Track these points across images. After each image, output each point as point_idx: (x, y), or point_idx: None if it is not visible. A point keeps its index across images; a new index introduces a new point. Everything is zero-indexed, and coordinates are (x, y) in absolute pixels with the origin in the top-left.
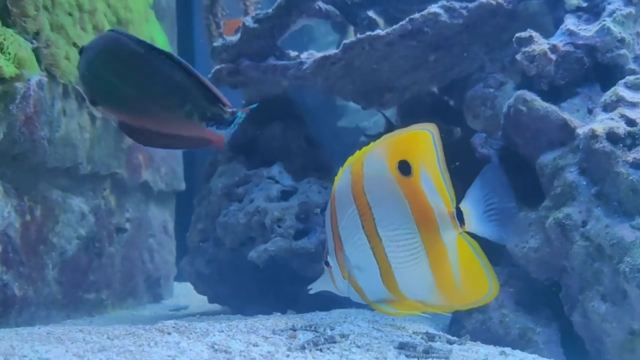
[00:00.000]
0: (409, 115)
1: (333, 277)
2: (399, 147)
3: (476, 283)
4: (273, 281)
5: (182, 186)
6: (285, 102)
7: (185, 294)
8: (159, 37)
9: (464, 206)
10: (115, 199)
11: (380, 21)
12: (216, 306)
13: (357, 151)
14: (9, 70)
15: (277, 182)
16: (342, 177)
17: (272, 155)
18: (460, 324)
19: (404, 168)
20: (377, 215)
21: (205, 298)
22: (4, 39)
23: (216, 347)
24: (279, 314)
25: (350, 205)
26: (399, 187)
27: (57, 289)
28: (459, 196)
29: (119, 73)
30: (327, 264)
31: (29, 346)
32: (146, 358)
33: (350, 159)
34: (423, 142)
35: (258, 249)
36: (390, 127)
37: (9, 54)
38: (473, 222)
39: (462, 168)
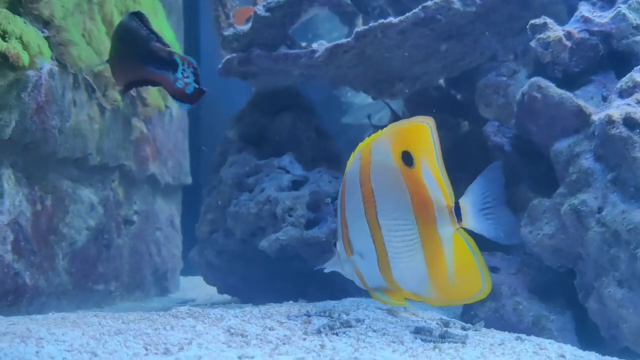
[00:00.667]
0: (416, 108)
1: (340, 260)
2: (402, 138)
3: (469, 279)
4: (283, 271)
5: (189, 180)
6: (294, 93)
7: (191, 287)
8: (167, 31)
9: (463, 202)
10: (124, 191)
11: (390, 11)
12: (225, 297)
13: (367, 137)
14: (24, 58)
15: (287, 172)
16: (353, 162)
17: (282, 146)
18: (473, 312)
19: (407, 159)
20: (379, 203)
21: (212, 292)
22: (17, 27)
23: (232, 330)
24: (291, 302)
25: (357, 191)
26: (402, 177)
27: (68, 279)
28: (462, 190)
29: (117, 38)
30: (335, 245)
31: (45, 329)
32: (163, 341)
33: (360, 145)
34: (423, 134)
35: (269, 238)
36: (396, 120)
37: (22, 41)
38: (470, 219)
39: (469, 161)
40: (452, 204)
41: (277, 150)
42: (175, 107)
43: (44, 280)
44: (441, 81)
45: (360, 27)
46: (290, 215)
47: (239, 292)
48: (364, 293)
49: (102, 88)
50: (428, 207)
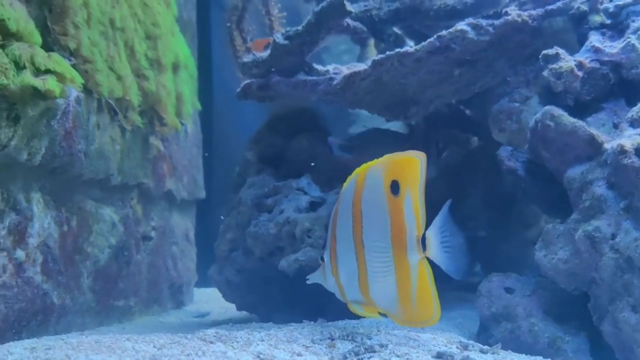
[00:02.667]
0: (427, 125)
1: (325, 272)
2: (394, 167)
3: (426, 306)
4: (300, 290)
5: (203, 194)
6: (311, 114)
7: (205, 300)
8: (184, 49)
9: (429, 233)
10: (142, 208)
11: (404, 37)
12: (241, 314)
13: (365, 163)
14: (57, 91)
15: (305, 193)
16: (349, 183)
17: (299, 167)
18: (489, 333)
19: (395, 188)
20: (365, 225)
21: (226, 305)
22: (51, 60)
23: (262, 356)
24: (311, 322)
25: (349, 210)
26: (387, 204)
27: (91, 297)
28: (468, 206)
29: None
30: (322, 259)
31: (84, 355)
32: None
33: (358, 169)
34: (412, 167)
35: (288, 259)
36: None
37: (57, 73)
38: (433, 250)
39: (479, 176)
40: (420, 234)
41: (295, 171)
42: (190, 124)
43: (70, 299)
44: None
45: (377, 56)
46: (309, 237)
47: (257, 310)
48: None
49: (123, 110)
50: (402, 235)
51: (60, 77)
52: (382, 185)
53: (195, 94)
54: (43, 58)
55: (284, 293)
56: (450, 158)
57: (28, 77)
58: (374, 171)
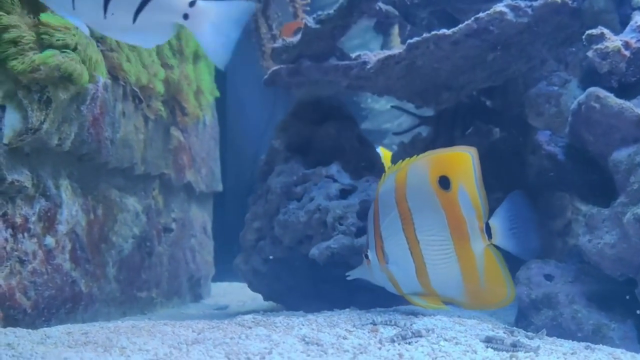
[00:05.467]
0: (447, 116)
1: (371, 269)
2: (441, 164)
3: (497, 288)
4: (329, 279)
5: (220, 187)
6: (336, 102)
7: (222, 294)
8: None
9: (492, 222)
10: (163, 199)
11: (435, 22)
12: (265, 304)
13: (400, 161)
14: (86, 77)
15: (335, 180)
16: (386, 182)
17: (326, 155)
18: (528, 320)
19: (444, 183)
20: (416, 221)
21: (244, 298)
22: (84, 45)
23: (307, 339)
24: (347, 310)
25: (393, 209)
26: (437, 199)
27: (116, 287)
28: (495, 195)
29: None
30: (366, 256)
31: (125, 338)
32: (244, 350)
33: (393, 167)
34: (464, 162)
35: (320, 247)
36: (416, 123)
37: (88, 58)
38: (499, 237)
39: (501, 167)
40: (484, 224)
41: (322, 159)
42: (208, 116)
43: (97, 288)
44: None
45: (412, 39)
46: (341, 224)
47: (285, 299)
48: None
49: (147, 99)
50: (462, 226)
51: (90, 62)
52: (428, 182)
53: (214, 84)
54: (71, 38)
55: (312, 282)
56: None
57: (58, 58)
58: (416, 169)
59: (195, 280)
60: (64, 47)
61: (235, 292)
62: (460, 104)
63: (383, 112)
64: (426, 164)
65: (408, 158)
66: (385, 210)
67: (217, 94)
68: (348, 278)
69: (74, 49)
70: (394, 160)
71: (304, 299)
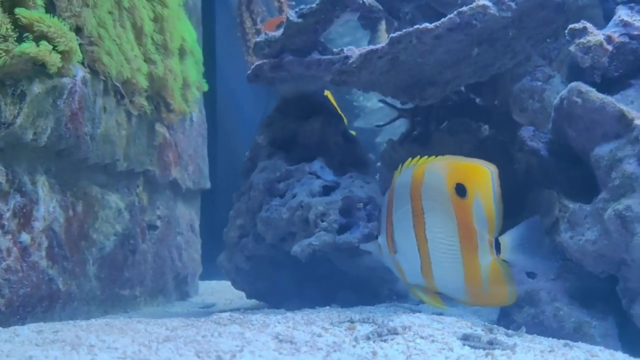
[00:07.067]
0: (436, 113)
1: (381, 251)
2: (459, 171)
3: (500, 293)
4: (311, 276)
5: (208, 185)
6: (321, 98)
7: (209, 292)
8: (190, 34)
9: (503, 239)
10: (147, 196)
11: (419, 17)
12: (250, 303)
13: (418, 157)
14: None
15: (318, 177)
16: (403, 174)
17: (310, 151)
18: (510, 318)
19: (460, 190)
20: (428, 220)
21: (231, 296)
22: (57, 33)
23: (280, 337)
24: (327, 307)
25: (407, 203)
26: (451, 204)
27: (97, 285)
28: None
29: None
30: (376, 238)
31: (95, 336)
32: (214, 348)
33: (411, 160)
34: (482, 175)
35: (302, 244)
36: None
37: (59, 49)
38: (508, 253)
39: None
40: (494, 239)
41: (306, 155)
42: (196, 112)
43: (76, 285)
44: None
45: (395, 33)
46: (323, 221)
47: (267, 297)
48: (395, 298)
49: (130, 94)
50: (471, 235)
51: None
52: (445, 186)
53: (201, 80)
54: (45, 25)
55: (294, 280)
56: (461, 147)
57: (30, 47)
58: (434, 169)
59: (182, 278)
60: (40, 38)
61: (223, 291)
62: (449, 100)
63: (375, 110)
64: (445, 167)
65: (426, 157)
66: (400, 202)
67: (206, 88)
68: (361, 247)
69: (49, 40)
70: (383, 158)
71: (287, 297)
